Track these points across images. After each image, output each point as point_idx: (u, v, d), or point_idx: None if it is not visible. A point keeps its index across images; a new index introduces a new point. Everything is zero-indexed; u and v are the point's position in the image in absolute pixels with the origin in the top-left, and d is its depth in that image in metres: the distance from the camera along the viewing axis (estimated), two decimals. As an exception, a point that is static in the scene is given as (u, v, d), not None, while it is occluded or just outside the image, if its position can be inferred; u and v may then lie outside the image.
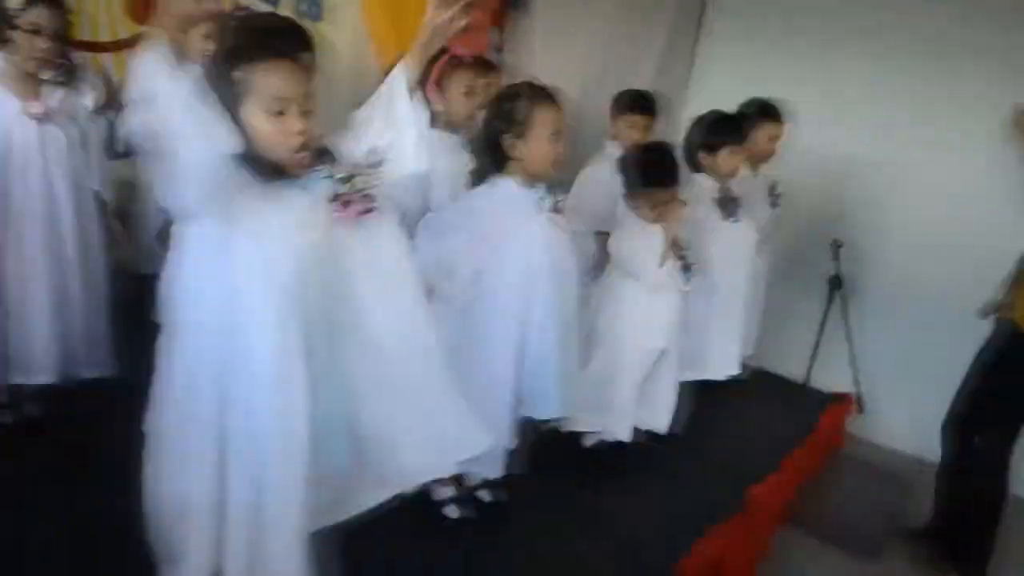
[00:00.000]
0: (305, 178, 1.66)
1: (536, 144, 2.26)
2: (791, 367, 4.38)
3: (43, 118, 2.38)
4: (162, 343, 1.69)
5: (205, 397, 1.64)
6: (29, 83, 2.37)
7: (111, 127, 2.72)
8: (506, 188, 2.30)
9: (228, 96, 1.55)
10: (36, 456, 2.43)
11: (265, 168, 1.61)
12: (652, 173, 2.80)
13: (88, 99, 2.58)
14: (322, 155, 1.69)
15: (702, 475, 3.08)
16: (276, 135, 1.58)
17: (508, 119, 2.26)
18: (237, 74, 1.55)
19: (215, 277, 1.62)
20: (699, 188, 3.06)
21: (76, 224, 2.47)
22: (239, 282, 1.61)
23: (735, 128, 3.23)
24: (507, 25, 5.05)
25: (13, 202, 2.35)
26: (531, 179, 2.31)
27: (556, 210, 2.35)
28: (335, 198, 1.68)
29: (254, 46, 1.57)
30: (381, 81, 2.32)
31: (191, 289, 1.65)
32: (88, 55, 3.38)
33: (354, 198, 1.69)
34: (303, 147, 1.62)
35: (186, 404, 1.66)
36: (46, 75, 2.40)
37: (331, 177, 1.68)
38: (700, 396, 3.41)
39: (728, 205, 3.21)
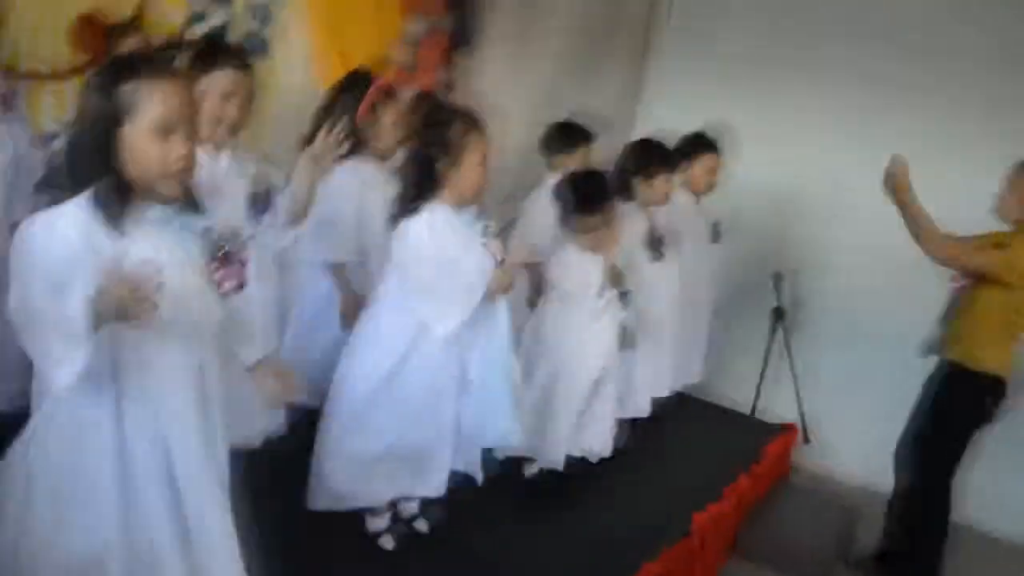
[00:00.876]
0: (172, 209, 1.55)
1: (469, 170, 2.28)
2: (738, 398, 4.42)
3: None
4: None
5: None
6: None
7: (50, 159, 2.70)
8: (444, 214, 2.30)
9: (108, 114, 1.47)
10: None
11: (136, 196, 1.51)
12: (583, 198, 2.83)
13: (26, 127, 2.57)
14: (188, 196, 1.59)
15: (646, 502, 3.08)
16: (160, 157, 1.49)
17: (442, 145, 2.27)
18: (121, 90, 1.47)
19: None
20: (629, 222, 3.08)
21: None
22: None
23: (669, 155, 3.28)
24: (455, 63, 5.12)
25: None
26: (460, 205, 2.33)
27: (488, 236, 2.36)
28: (218, 252, 1.61)
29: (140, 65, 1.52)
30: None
31: None
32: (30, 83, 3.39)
33: (234, 258, 1.63)
34: (185, 171, 1.54)
35: None
36: None
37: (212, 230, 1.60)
38: (642, 426, 3.43)
39: (654, 244, 3.24)
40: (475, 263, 2.28)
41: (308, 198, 2.26)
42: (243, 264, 1.64)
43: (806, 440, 4.23)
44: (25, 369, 1.92)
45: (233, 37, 4.08)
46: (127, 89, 1.46)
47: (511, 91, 4.92)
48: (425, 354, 2.31)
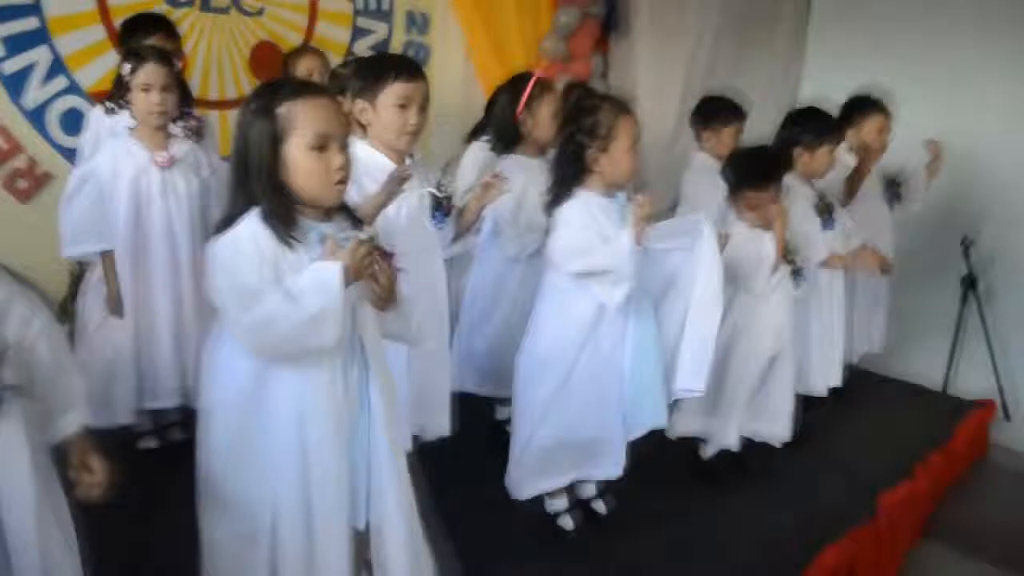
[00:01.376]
0: (326, 226, 1.67)
1: (618, 155, 2.30)
2: (929, 374, 4.17)
3: (167, 166, 2.64)
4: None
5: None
6: (157, 137, 2.65)
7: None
8: (596, 200, 2.35)
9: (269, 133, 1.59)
10: (180, 479, 2.64)
11: (300, 209, 1.64)
12: (753, 173, 2.77)
13: (213, 152, 2.84)
14: (343, 210, 1.73)
15: (829, 483, 2.99)
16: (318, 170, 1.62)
17: (591, 132, 2.31)
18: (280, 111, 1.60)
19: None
20: (794, 193, 2.99)
21: (193, 263, 2.70)
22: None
23: (831, 125, 3.14)
24: (609, 51, 5.13)
25: (139, 241, 2.64)
26: (609, 190, 2.36)
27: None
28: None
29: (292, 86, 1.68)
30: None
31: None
32: (216, 112, 3.73)
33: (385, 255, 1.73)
34: (342, 182, 1.66)
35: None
36: (172, 128, 2.65)
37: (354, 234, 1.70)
38: (823, 403, 3.32)
39: (825, 212, 3.11)
40: (625, 245, 2.29)
41: (476, 219, 2.43)
42: (392, 260, 1.73)
43: (1006, 417, 3.94)
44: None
45: (394, 47, 4.31)
46: (282, 110, 1.60)
47: (666, 73, 4.88)
48: (602, 335, 2.37)
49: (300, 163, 1.61)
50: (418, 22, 4.43)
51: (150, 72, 2.56)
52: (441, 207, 2.34)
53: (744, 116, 3.55)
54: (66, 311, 3.24)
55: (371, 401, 1.74)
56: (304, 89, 1.66)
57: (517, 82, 2.93)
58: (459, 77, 4.48)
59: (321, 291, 1.55)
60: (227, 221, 1.63)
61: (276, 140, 1.59)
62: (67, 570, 1.50)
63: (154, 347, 2.71)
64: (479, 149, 3.05)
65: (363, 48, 4.22)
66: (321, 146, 1.61)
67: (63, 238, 2.62)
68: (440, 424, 2.42)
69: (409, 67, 2.23)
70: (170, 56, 2.63)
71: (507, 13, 4.54)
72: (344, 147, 1.65)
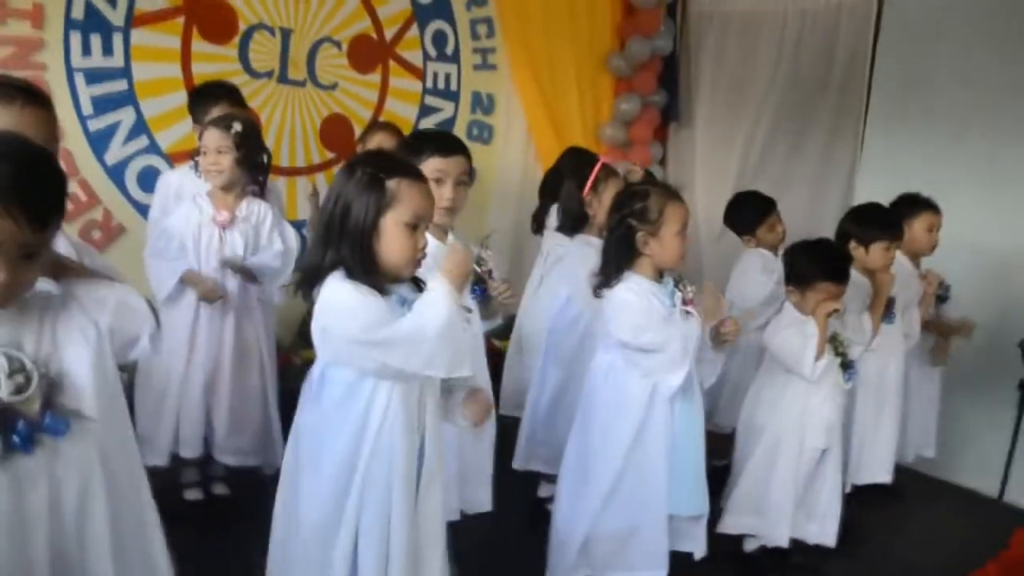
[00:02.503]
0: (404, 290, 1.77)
1: (668, 240, 2.35)
2: (983, 480, 4.04)
3: (226, 225, 2.76)
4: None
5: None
6: (225, 197, 2.79)
7: (303, 240, 3.08)
8: (646, 284, 2.39)
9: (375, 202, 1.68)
10: (222, 531, 2.67)
11: (380, 275, 1.72)
12: (828, 267, 2.77)
13: (279, 214, 2.94)
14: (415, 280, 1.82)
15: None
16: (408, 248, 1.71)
17: (641, 217, 2.36)
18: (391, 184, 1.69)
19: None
20: (853, 285, 2.99)
21: (236, 321, 2.82)
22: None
23: (888, 223, 3.15)
24: (668, 139, 5.24)
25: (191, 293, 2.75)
26: (656, 274, 2.40)
27: (687, 302, 2.41)
28: None
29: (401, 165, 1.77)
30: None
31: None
32: (284, 179, 3.88)
33: None
34: (420, 261, 1.76)
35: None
36: (236, 188, 2.78)
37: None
38: (871, 507, 3.26)
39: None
40: (678, 328, 2.33)
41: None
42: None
43: (1068, 530, 3.78)
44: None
45: (459, 127, 4.47)
46: (392, 184, 1.69)
47: (722, 163, 4.96)
48: (654, 419, 2.38)
49: (394, 237, 1.69)
50: (483, 103, 4.59)
51: (210, 137, 2.71)
52: (481, 281, 2.39)
53: (775, 208, 3.58)
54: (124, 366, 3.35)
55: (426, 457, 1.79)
56: (413, 170, 1.77)
57: (583, 167, 3.02)
58: (521, 157, 4.61)
59: (435, 304, 1.64)
60: (313, 271, 1.72)
61: (380, 210, 1.68)
62: None
63: (188, 398, 2.79)
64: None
65: (429, 125, 4.39)
66: (415, 226, 1.70)
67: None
68: (481, 500, 2.43)
69: (447, 143, 2.30)
70: (231, 122, 2.75)
71: (569, 98, 4.69)
72: (425, 231, 1.75)
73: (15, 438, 1.29)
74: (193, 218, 2.76)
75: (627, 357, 2.39)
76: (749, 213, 3.60)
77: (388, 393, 1.72)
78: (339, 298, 1.66)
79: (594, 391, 2.48)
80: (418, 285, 1.81)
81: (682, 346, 2.29)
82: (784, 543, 2.81)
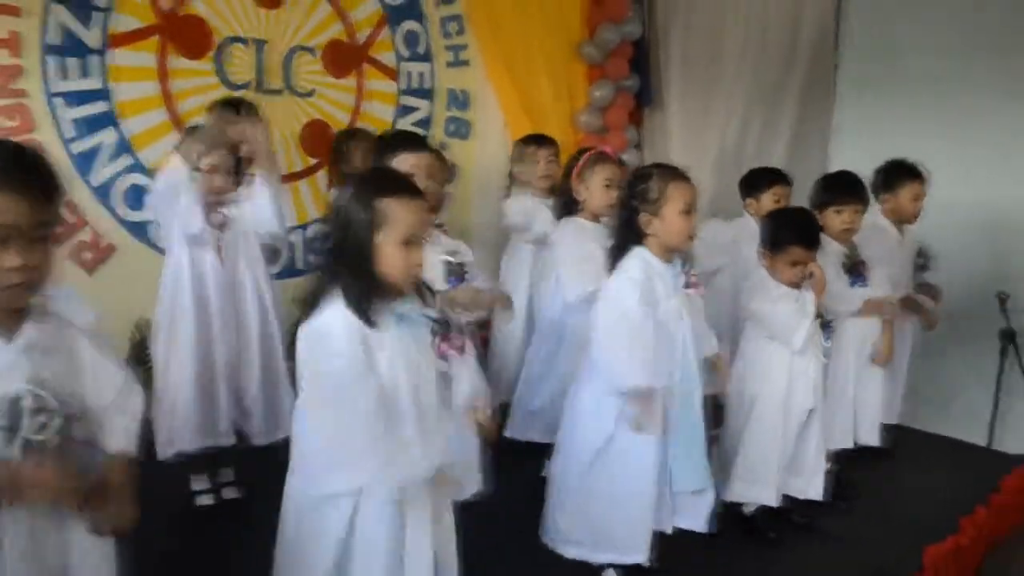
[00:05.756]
0: (401, 305, 1.80)
1: (671, 219, 2.42)
2: (970, 430, 4.14)
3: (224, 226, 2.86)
4: None
5: None
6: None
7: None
8: (653, 260, 2.46)
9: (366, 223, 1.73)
10: (234, 534, 2.75)
11: (381, 291, 1.77)
12: (796, 232, 2.85)
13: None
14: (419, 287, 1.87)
15: (872, 537, 2.99)
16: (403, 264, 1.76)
17: (643, 197, 2.44)
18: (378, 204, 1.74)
19: None
20: (825, 251, 3.07)
21: (258, 306, 2.92)
22: None
23: (855, 189, 3.24)
24: (643, 123, 5.32)
25: (202, 288, 2.84)
26: (666, 254, 2.47)
27: (690, 284, 2.49)
28: (435, 335, 1.88)
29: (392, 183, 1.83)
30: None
31: None
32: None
33: (452, 336, 1.93)
34: (415, 277, 1.82)
35: None
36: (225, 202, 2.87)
37: (429, 317, 1.86)
38: (862, 464, 3.35)
39: (854, 270, 3.19)
40: (674, 309, 2.43)
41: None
42: (462, 338, 1.95)
43: (1056, 472, 3.88)
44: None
45: (436, 124, 4.53)
46: (381, 205, 1.74)
47: (699, 145, 5.04)
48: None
49: (388, 255, 1.74)
50: (459, 99, 4.66)
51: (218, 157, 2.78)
52: (454, 273, 2.47)
53: (787, 181, 3.68)
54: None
55: None
56: (403, 188, 1.80)
57: (573, 158, 3.20)
58: (499, 150, 4.67)
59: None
60: (313, 298, 1.76)
61: (372, 230, 1.73)
62: None
63: (214, 388, 2.86)
64: (526, 198, 3.45)
65: (406, 125, 4.45)
66: (408, 243, 1.75)
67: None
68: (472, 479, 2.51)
69: (414, 140, 2.44)
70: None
71: (543, 89, 4.76)
72: (422, 244, 1.80)
73: None
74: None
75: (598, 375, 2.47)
76: (763, 178, 3.73)
77: None
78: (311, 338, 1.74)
79: (576, 393, 2.59)
80: (422, 295, 1.87)
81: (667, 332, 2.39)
82: (776, 502, 2.90)
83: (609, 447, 2.46)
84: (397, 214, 1.73)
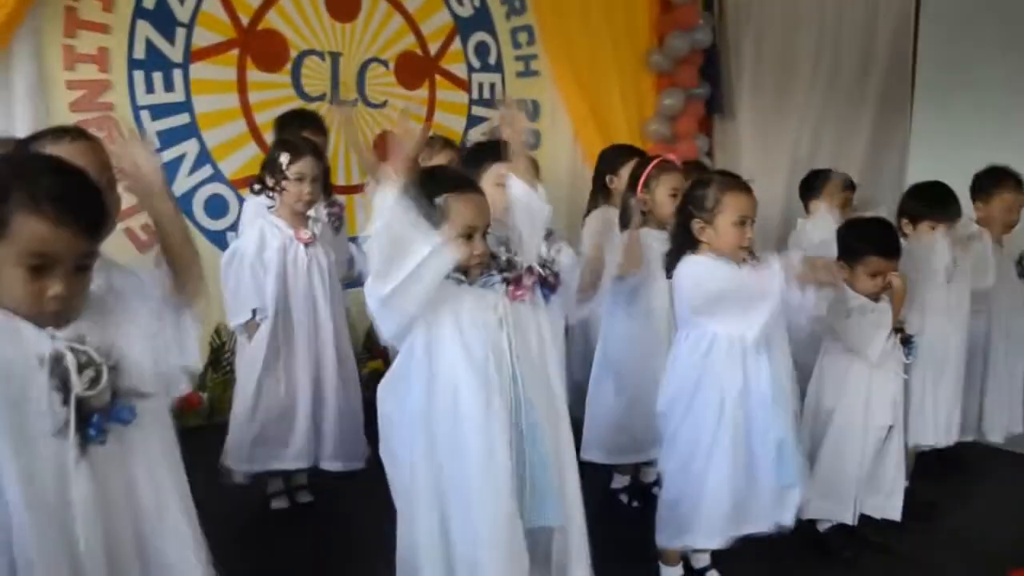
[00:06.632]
0: (480, 282, 1.91)
1: (723, 229, 2.39)
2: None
3: (311, 244, 2.86)
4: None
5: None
6: (298, 218, 2.88)
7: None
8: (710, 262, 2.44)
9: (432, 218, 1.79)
10: (309, 535, 2.80)
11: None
12: (875, 242, 2.79)
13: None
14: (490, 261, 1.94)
15: (951, 560, 2.89)
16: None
17: (698, 205, 2.42)
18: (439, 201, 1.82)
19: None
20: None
21: (334, 330, 2.92)
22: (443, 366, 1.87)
23: (937, 204, 3.14)
24: (713, 132, 5.26)
25: (285, 309, 2.85)
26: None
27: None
28: (507, 284, 1.94)
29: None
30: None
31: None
32: (343, 196, 4.00)
33: (521, 278, 1.96)
34: (480, 264, 1.89)
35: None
36: (314, 212, 2.89)
37: (498, 276, 1.94)
38: (935, 479, 3.27)
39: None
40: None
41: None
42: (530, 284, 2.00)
43: None
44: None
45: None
46: (440, 200, 1.82)
47: (771, 153, 4.96)
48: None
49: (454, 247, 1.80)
50: (528, 109, 4.67)
51: (305, 164, 2.79)
52: (547, 283, 2.44)
53: (851, 186, 3.60)
54: (204, 385, 3.52)
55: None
56: (461, 184, 1.90)
57: (638, 167, 3.12)
58: (568, 160, 4.68)
59: None
60: None
61: (435, 226, 1.78)
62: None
63: (293, 410, 2.89)
64: (601, 213, 3.34)
65: (477, 135, 4.49)
66: (469, 235, 1.83)
67: (229, 311, 2.87)
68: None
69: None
70: (323, 151, 2.87)
71: (612, 97, 4.75)
72: (485, 234, 1.88)
73: (91, 431, 1.35)
74: (272, 237, 2.84)
75: (701, 325, 2.44)
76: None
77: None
78: None
79: (677, 368, 2.52)
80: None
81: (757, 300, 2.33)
82: (852, 520, 2.83)
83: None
84: (455, 209, 1.82)
